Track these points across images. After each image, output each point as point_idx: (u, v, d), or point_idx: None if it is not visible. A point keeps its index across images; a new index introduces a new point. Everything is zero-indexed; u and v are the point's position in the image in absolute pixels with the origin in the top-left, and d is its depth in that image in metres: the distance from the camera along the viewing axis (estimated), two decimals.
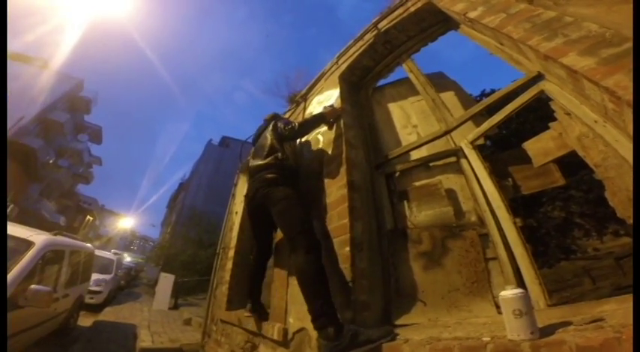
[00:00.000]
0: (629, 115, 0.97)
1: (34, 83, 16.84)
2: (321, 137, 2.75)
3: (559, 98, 1.47)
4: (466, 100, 2.31)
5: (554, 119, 1.56)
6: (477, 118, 1.97)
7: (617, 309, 0.93)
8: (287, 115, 3.99)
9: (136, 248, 66.44)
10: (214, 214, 16.62)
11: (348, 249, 1.73)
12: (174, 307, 8.73)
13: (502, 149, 1.96)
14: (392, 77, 2.94)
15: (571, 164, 1.69)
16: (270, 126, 2.54)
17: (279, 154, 2.20)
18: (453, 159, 1.95)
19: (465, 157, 1.84)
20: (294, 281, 2.31)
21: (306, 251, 1.67)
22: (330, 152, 2.46)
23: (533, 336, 0.85)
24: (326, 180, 2.31)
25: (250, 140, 4.19)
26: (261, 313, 2.41)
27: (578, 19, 1.23)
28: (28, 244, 3.30)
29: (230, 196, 5.14)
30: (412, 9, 2.38)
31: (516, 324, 0.88)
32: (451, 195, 1.89)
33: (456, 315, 1.49)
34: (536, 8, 1.44)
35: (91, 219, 30.69)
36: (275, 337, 2.06)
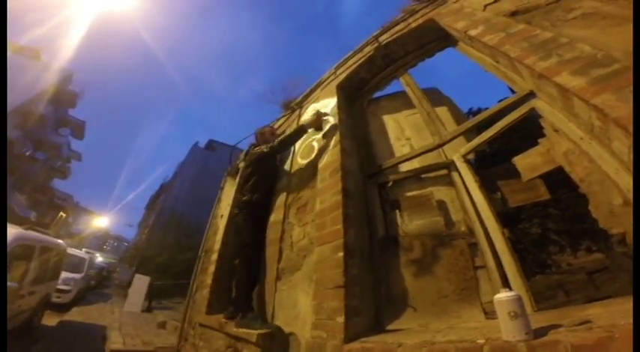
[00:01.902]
0: (614, 132, 1.04)
1: (23, 73, 16.19)
2: (315, 144, 2.77)
3: (548, 116, 1.53)
4: (459, 116, 2.40)
5: (539, 138, 1.64)
6: (467, 134, 2.05)
7: (602, 312, 0.98)
8: (281, 121, 4.01)
9: (109, 248, 63.48)
10: (195, 217, 16.22)
11: (341, 254, 1.73)
12: (148, 310, 8.41)
13: (485, 167, 2.05)
14: (387, 90, 3.03)
15: (550, 183, 1.78)
16: (255, 158, 3.01)
17: (243, 195, 2.90)
18: (444, 171, 2.02)
19: (457, 170, 1.90)
20: (282, 287, 2.30)
21: (244, 259, 2.54)
22: (324, 159, 2.48)
23: (528, 337, 0.88)
24: (320, 186, 2.33)
25: (240, 146, 4.35)
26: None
27: (573, 40, 1.28)
28: None
29: (215, 200, 5.05)
30: (413, 25, 2.48)
31: (512, 326, 0.91)
32: (442, 205, 1.95)
33: (445, 321, 1.52)
34: (534, 29, 1.49)
35: (64, 215, 29.24)
36: (260, 342, 2.02)
